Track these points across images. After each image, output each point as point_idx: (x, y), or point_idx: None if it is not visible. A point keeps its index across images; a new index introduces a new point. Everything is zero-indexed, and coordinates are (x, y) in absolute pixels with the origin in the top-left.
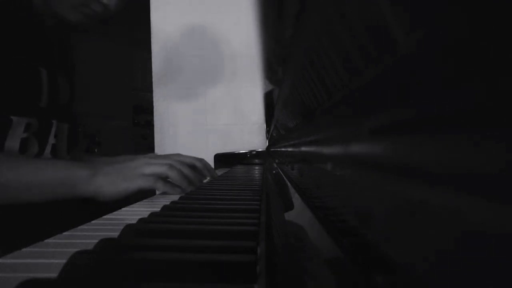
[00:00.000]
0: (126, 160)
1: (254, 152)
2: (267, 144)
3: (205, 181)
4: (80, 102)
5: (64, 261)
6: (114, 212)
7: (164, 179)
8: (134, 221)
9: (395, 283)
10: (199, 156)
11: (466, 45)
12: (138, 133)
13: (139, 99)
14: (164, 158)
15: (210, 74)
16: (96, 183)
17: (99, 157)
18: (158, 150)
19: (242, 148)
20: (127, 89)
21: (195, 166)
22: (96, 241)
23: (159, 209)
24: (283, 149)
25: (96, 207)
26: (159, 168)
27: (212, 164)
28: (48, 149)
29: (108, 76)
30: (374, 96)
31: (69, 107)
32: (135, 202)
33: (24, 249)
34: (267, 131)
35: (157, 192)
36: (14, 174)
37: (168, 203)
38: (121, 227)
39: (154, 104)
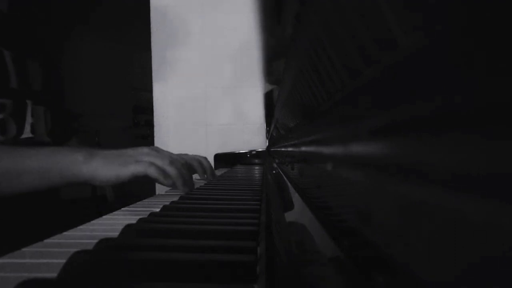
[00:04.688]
0: (128, 150)
1: (254, 152)
2: (267, 144)
3: (201, 182)
4: (72, 95)
5: (64, 261)
6: (114, 212)
7: (159, 167)
8: (134, 221)
9: (395, 283)
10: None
11: (466, 45)
12: (138, 133)
13: (139, 99)
14: (166, 153)
15: (210, 74)
16: (92, 166)
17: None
18: None
19: (242, 148)
20: (127, 89)
21: (192, 166)
22: (96, 241)
23: (159, 209)
24: (283, 149)
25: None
26: (158, 160)
27: (212, 164)
28: (27, 128)
29: (108, 76)
30: (374, 96)
31: (46, 92)
32: (135, 202)
33: (24, 249)
34: (267, 131)
35: (157, 192)
36: (10, 162)
37: (168, 203)
38: (121, 227)
39: (154, 104)
